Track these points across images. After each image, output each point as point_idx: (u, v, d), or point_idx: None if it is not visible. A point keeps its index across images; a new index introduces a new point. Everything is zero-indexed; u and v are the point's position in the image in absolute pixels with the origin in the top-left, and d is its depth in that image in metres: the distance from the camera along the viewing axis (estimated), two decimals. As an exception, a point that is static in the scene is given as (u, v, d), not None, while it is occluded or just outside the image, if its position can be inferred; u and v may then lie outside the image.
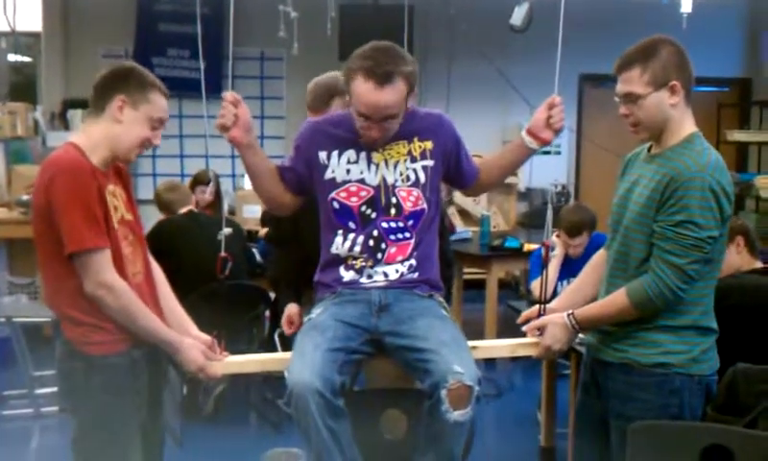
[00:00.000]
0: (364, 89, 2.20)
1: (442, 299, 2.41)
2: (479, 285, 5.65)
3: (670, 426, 2.19)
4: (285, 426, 4.26)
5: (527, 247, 5.32)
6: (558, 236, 4.21)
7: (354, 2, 6.99)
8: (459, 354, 2.15)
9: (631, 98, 2.21)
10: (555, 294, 2.43)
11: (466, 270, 5.92)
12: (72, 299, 2.15)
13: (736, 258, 2.95)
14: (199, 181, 5.07)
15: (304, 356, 2.15)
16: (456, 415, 2.10)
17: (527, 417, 4.43)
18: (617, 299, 2.23)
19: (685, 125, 2.23)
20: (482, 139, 6.81)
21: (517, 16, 5.99)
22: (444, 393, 2.08)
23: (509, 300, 5.57)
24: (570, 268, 4.12)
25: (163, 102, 2.26)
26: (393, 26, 6.48)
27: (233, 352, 2.38)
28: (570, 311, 2.33)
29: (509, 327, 5.35)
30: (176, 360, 2.26)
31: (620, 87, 2.24)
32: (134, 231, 2.29)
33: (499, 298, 5.36)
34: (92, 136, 2.20)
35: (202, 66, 6.53)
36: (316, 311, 2.34)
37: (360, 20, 6.92)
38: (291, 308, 3.22)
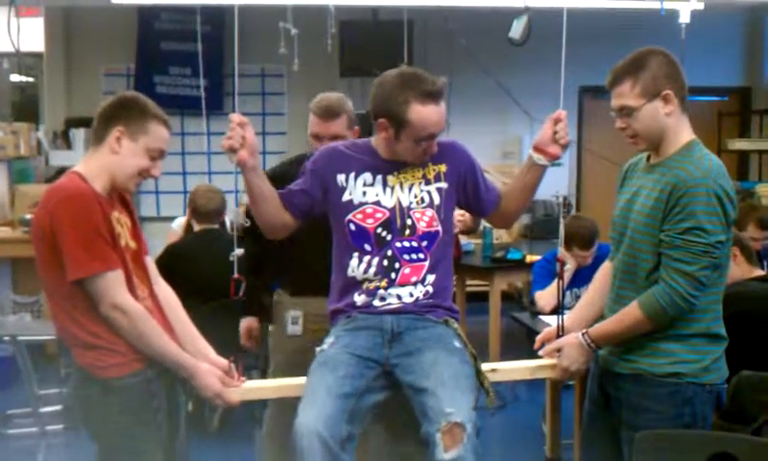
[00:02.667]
0: (428, 111, 2.25)
1: (457, 325, 2.35)
2: (482, 297, 5.65)
3: (676, 435, 2.19)
4: (290, 442, 4.25)
5: (529, 258, 5.32)
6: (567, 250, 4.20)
7: (354, 18, 7.02)
8: (453, 394, 2.11)
9: (625, 111, 2.22)
10: (563, 306, 2.43)
11: (468, 282, 5.91)
12: (82, 324, 2.13)
13: (736, 269, 2.94)
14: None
15: (315, 397, 2.11)
16: (447, 455, 2.02)
17: (532, 428, 4.42)
18: (630, 312, 2.22)
19: (683, 133, 2.24)
20: (482, 152, 6.80)
21: (516, 30, 5.99)
22: (438, 436, 2.05)
23: (512, 311, 5.56)
24: (576, 278, 4.13)
25: (163, 133, 2.24)
26: (392, 41, 6.51)
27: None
28: (585, 330, 2.32)
29: (512, 340, 5.36)
30: (190, 383, 2.25)
31: (614, 102, 2.25)
32: (137, 260, 2.28)
33: (502, 310, 5.35)
34: (92, 166, 2.21)
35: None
36: (328, 341, 2.31)
37: (360, 36, 6.95)
38: (249, 322, 3.25)
